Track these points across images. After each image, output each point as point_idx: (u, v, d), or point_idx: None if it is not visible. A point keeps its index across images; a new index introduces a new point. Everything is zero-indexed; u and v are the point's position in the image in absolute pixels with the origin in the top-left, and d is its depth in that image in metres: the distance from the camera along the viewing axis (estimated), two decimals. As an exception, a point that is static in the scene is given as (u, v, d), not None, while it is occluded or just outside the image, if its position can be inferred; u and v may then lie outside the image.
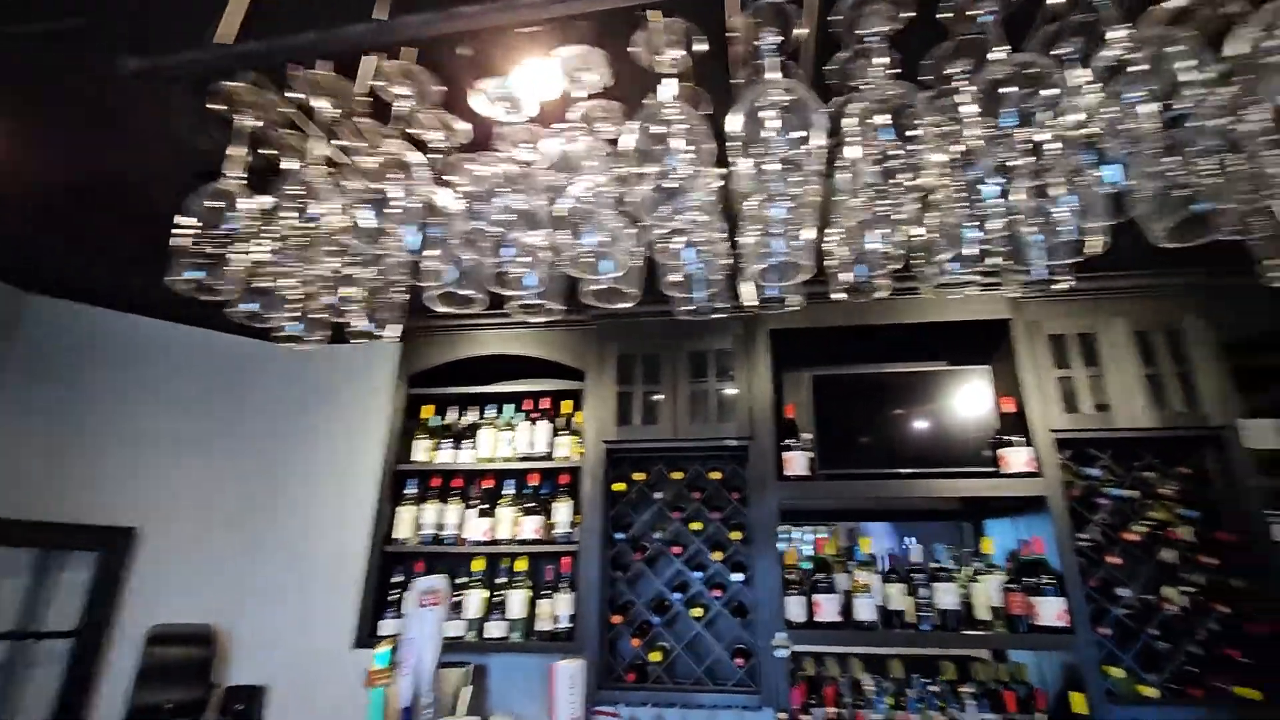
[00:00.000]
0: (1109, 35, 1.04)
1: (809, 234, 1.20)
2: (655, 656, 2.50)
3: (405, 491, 2.91)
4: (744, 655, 2.52)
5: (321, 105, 1.31)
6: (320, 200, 1.28)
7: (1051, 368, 2.58)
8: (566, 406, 2.97)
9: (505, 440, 2.95)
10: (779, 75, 1.15)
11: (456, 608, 2.72)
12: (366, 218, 1.28)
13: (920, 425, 2.68)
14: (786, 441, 2.63)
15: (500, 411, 3.03)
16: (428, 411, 3.06)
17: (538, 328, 3.02)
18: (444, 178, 1.38)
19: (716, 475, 2.76)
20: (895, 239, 1.26)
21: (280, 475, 3.25)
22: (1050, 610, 2.27)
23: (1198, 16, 1.00)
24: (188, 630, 2.87)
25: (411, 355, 3.08)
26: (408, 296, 1.49)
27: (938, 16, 1.20)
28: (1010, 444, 2.49)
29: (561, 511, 2.79)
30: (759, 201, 1.20)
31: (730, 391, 2.74)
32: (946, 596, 2.36)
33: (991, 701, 2.41)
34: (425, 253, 1.35)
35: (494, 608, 2.70)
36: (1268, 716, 2.17)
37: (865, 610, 2.37)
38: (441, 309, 1.42)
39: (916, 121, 1.16)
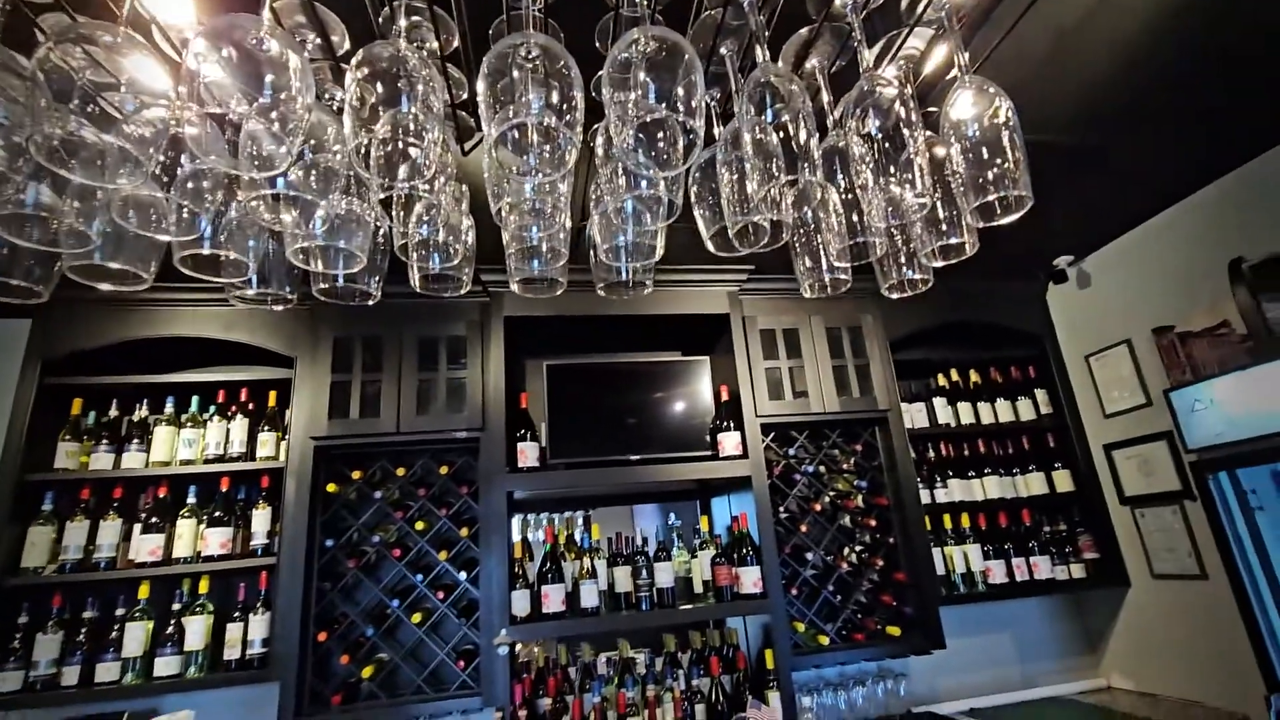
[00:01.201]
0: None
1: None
2: (367, 672, 2.28)
3: (42, 508, 2.30)
4: (468, 657, 2.41)
5: None
6: None
7: (762, 359, 2.84)
8: (271, 399, 2.58)
9: (188, 440, 2.46)
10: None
11: (113, 646, 2.22)
12: None
13: (649, 413, 2.78)
14: (520, 432, 2.56)
15: (184, 405, 2.53)
16: (78, 406, 2.44)
17: (231, 304, 2.56)
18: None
19: (445, 469, 2.60)
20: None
21: None
22: (749, 578, 2.50)
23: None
24: None
25: (50, 335, 2.42)
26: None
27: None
28: (727, 429, 2.69)
29: (260, 520, 2.42)
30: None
31: (462, 380, 2.59)
32: (664, 575, 2.48)
33: (703, 667, 2.60)
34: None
35: (165, 641, 2.25)
36: (905, 649, 2.63)
37: (590, 596, 2.40)
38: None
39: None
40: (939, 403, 3.11)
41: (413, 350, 2.58)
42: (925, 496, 2.90)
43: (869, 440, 2.95)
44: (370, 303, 1.26)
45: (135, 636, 2.22)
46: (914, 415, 3.04)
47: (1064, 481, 3.05)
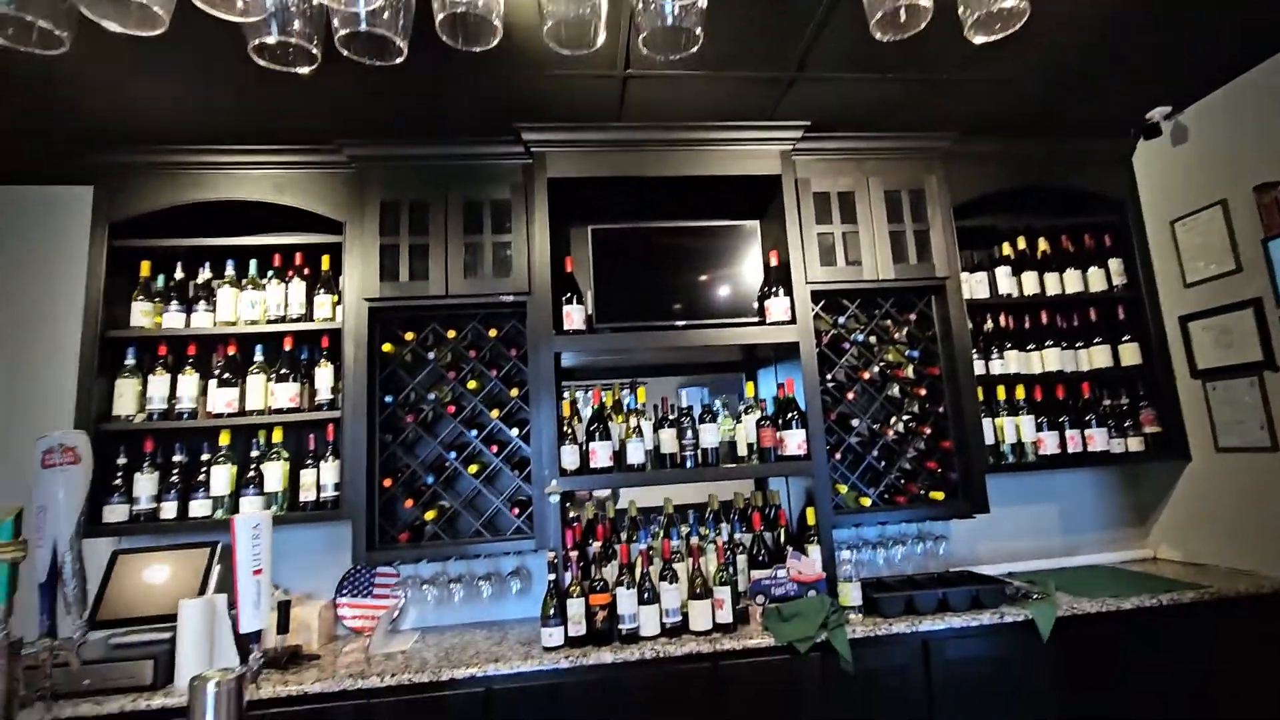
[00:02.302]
0: None
1: None
2: (430, 515, 2.45)
3: (125, 363, 2.46)
4: (522, 506, 2.56)
5: None
6: None
7: (814, 224, 2.72)
8: (325, 263, 2.63)
9: (251, 302, 2.56)
10: None
11: (203, 487, 2.44)
12: None
13: (696, 279, 2.73)
14: (566, 295, 2.56)
15: (244, 269, 2.61)
16: (147, 269, 2.55)
17: (285, 168, 2.57)
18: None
19: (494, 332, 2.64)
20: None
21: (-52, 351, 2.60)
22: (794, 441, 2.53)
23: None
24: None
25: (112, 199, 2.50)
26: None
27: None
28: (775, 295, 2.63)
29: (324, 377, 2.54)
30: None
31: (507, 244, 2.58)
32: (709, 436, 2.53)
33: (745, 524, 2.70)
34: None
35: (248, 483, 2.45)
36: (947, 512, 2.65)
37: (636, 454, 2.48)
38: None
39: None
40: (1002, 272, 2.95)
41: (458, 214, 2.57)
42: (980, 368, 2.82)
43: (924, 310, 2.85)
44: (399, 60, 1.12)
45: (221, 479, 2.42)
46: (974, 285, 2.90)
47: (1130, 355, 2.91)
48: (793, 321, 2.61)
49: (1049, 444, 2.79)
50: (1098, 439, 2.82)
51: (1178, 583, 2.50)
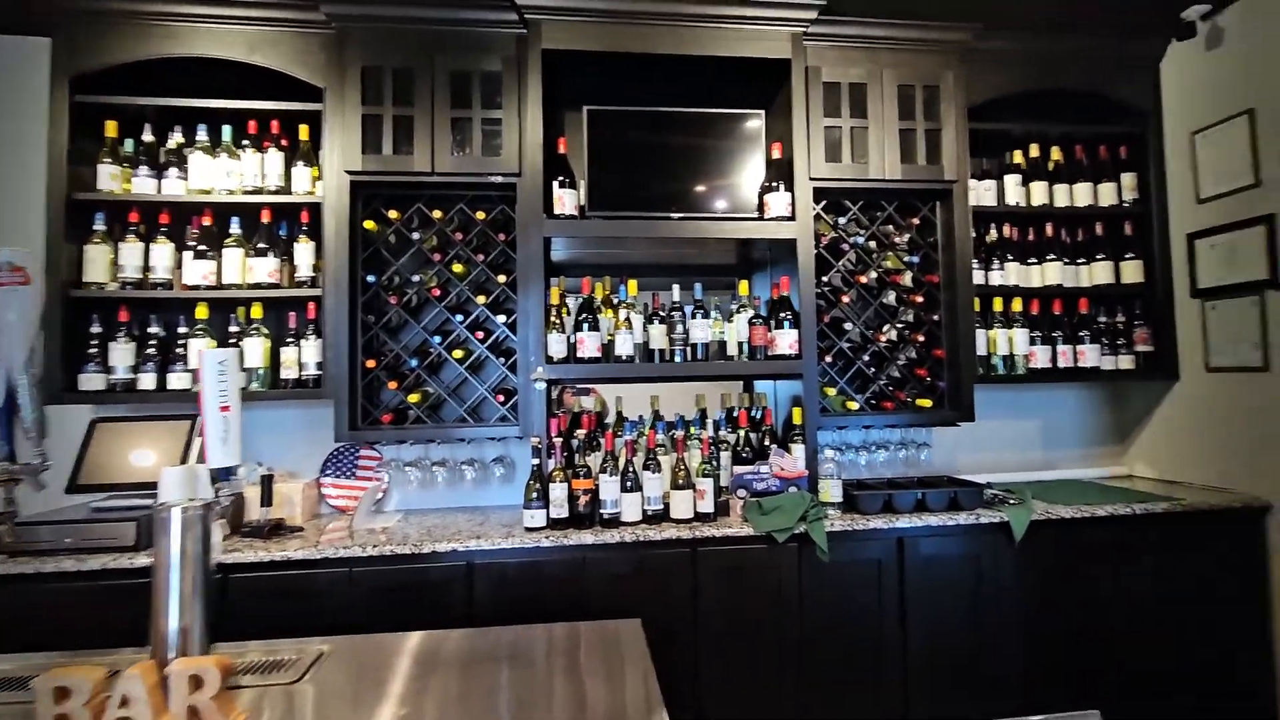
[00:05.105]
0: None
1: None
2: (414, 398, 2.42)
3: (94, 228, 2.35)
4: (507, 395, 2.53)
5: None
6: None
7: (822, 116, 2.58)
8: (303, 133, 2.49)
9: (227, 170, 2.43)
10: None
11: (181, 360, 2.39)
12: None
13: (695, 170, 2.61)
14: (560, 179, 2.45)
15: (217, 135, 2.46)
16: (113, 129, 2.40)
17: (259, 24, 2.39)
18: None
19: (482, 215, 2.54)
20: None
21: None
22: (785, 341, 2.49)
23: None
24: None
25: (73, 51, 2.32)
26: None
27: None
28: (775, 189, 2.53)
29: (303, 254, 2.45)
30: None
31: (497, 121, 2.44)
32: (699, 332, 2.48)
33: (731, 424, 2.70)
34: None
35: (227, 358, 2.40)
36: (933, 419, 2.66)
37: (624, 346, 2.44)
38: None
39: None
40: (1011, 181, 2.84)
41: (445, 86, 2.41)
42: (979, 278, 2.76)
43: (928, 215, 2.76)
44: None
45: (199, 352, 2.36)
46: (981, 193, 2.80)
47: (1132, 273, 2.86)
48: (792, 218, 2.52)
49: (1040, 358, 2.77)
50: (1089, 355, 2.80)
51: (1151, 495, 2.54)
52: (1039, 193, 2.85)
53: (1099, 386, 3.13)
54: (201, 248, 2.39)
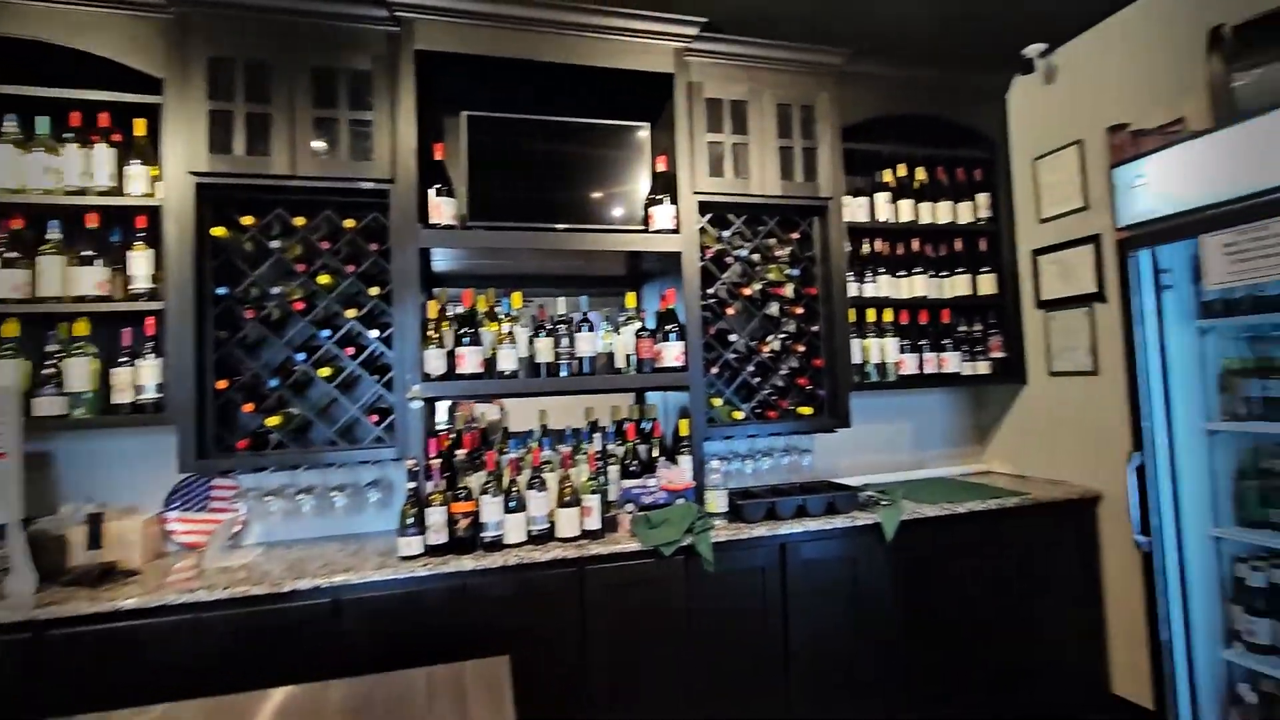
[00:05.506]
0: None
1: None
2: (273, 421, 2.21)
3: None
4: (382, 414, 2.38)
5: None
6: None
7: (705, 131, 2.62)
8: (139, 128, 2.22)
9: (40, 166, 2.13)
10: None
11: (-15, 385, 2.06)
12: None
13: (580, 180, 2.57)
14: (437, 187, 2.33)
15: (29, 125, 2.15)
16: (-111, 115, 2.04)
17: (85, 5, 2.11)
18: None
19: (352, 223, 2.37)
20: None
21: None
22: (671, 353, 2.49)
23: None
24: None
25: None
26: None
27: None
28: (660, 202, 2.53)
29: (140, 262, 2.18)
30: None
31: (368, 123, 2.29)
32: (586, 345, 2.44)
33: (620, 437, 2.67)
34: None
35: (45, 381, 2.10)
36: (814, 426, 2.76)
37: (508, 361, 2.35)
38: None
39: None
40: (881, 198, 3.01)
41: (307, 83, 2.23)
42: (853, 289, 2.90)
43: (806, 230, 2.86)
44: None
45: (7, 376, 2.05)
46: (855, 209, 2.95)
47: (987, 285, 3.10)
48: (677, 231, 2.53)
49: (909, 365, 2.95)
50: (951, 362, 3.01)
51: (1004, 491, 2.76)
52: (906, 210, 3.04)
53: (961, 391, 3.38)
54: (11, 254, 2.07)
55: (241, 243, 2.29)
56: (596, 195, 2.58)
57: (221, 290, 2.23)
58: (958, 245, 3.13)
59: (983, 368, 3.07)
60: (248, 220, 2.28)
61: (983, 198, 3.14)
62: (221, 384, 2.19)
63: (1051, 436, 2.98)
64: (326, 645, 1.94)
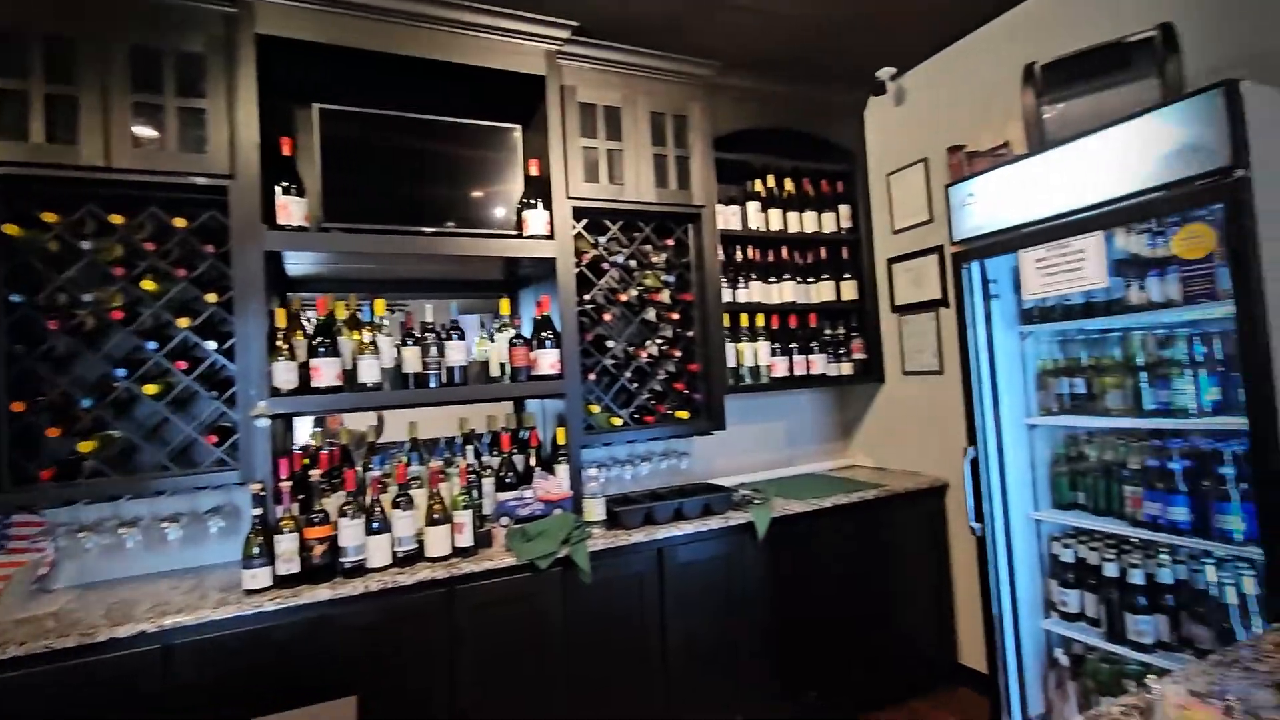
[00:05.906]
0: None
1: None
2: (86, 447, 1.94)
3: None
4: (224, 434, 2.16)
5: None
6: None
7: (579, 136, 2.59)
8: (-98, 103, 1.87)
9: None
10: None
11: None
12: None
13: (449, 182, 2.46)
14: (284, 185, 2.14)
15: None
16: None
17: None
18: None
19: (183, 222, 2.13)
20: None
21: None
22: (547, 360, 2.45)
23: None
24: None
25: None
26: None
27: None
28: (534, 207, 2.48)
29: (-94, 265, 1.84)
30: None
31: (201, 112, 2.06)
32: (456, 354, 2.34)
33: (495, 448, 2.60)
34: None
35: None
36: (691, 430, 2.82)
37: (370, 372, 2.21)
38: None
39: None
40: (752, 207, 3.12)
41: (124, 63, 1.98)
42: (727, 295, 2.99)
43: (681, 237, 2.91)
44: None
45: None
46: (728, 217, 3.03)
47: (849, 291, 3.30)
48: (551, 237, 2.49)
49: (780, 368, 3.08)
50: (819, 364, 3.18)
51: (865, 484, 2.95)
52: (776, 218, 3.17)
53: (828, 390, 3.58)
54: None
55: (43, 243, 1.99)
56: (467, 198, 2.48)
57: (17, 298, 1.92)
58: (823, 253, 3.31)
59: (846, 368, 3.27)
60: (50, 217, 1.98)
61: (845, 209, 3.34)
62: (18, 406, 1.89)
63: (906, 431, 3.22)
64: (155, 701, 1.73)
